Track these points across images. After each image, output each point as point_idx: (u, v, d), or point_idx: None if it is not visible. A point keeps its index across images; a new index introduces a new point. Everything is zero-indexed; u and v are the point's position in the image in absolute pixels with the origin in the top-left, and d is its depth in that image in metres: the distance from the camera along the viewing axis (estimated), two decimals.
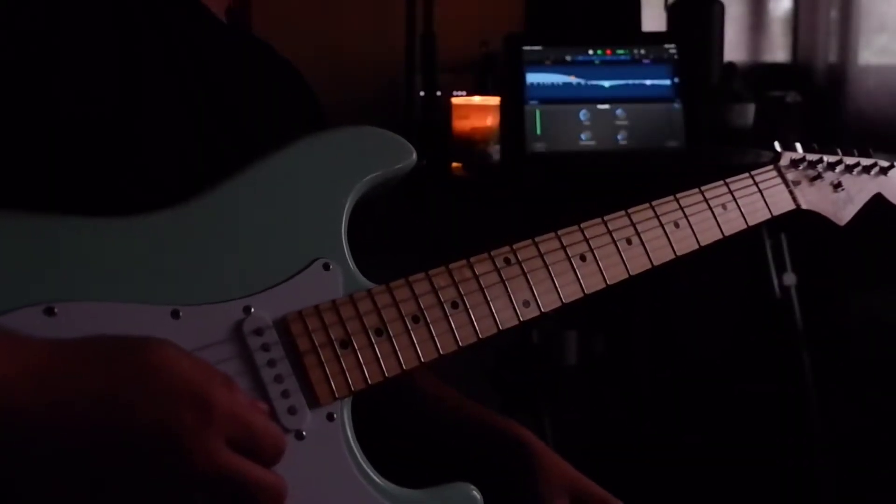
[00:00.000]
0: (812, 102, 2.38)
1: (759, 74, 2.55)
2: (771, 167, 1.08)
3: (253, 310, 0.79)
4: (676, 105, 2.16)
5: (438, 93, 2.19)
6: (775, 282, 2.08)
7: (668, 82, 2.17)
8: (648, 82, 2.16)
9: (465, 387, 1.05)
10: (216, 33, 0.96)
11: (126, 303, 0.75)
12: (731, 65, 2.30)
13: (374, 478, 0.81)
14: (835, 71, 2.50)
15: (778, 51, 2.67)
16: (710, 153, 2.15)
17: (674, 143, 2.15)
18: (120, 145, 0.81)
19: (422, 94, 2.19)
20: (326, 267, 0.82)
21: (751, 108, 2.25)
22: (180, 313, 0.77)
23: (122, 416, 0.65)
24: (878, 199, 1.18)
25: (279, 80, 1.04)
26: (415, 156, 0.88)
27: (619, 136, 2.13)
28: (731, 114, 2.19)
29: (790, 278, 2.08)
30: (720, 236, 1.00)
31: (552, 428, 2.01)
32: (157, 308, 0.76)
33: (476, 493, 0.84)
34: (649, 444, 2.48)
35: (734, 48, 2.57)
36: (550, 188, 2.01)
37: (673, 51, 2.18)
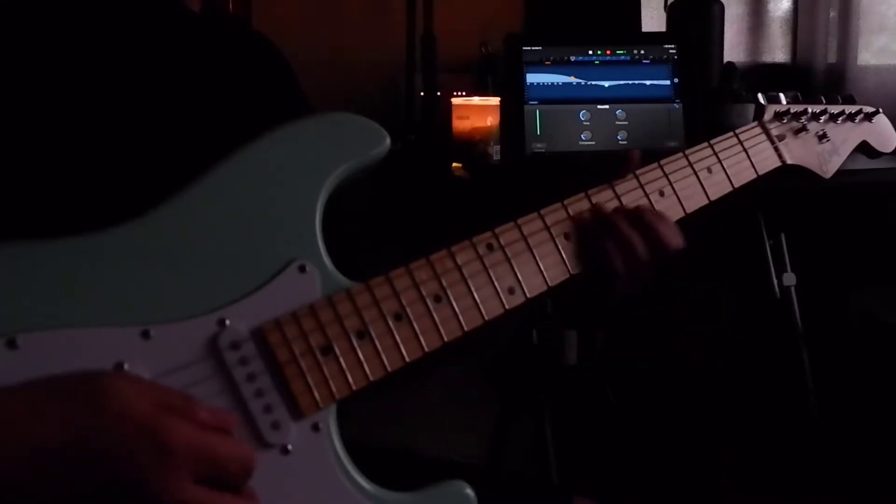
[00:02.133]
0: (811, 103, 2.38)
1: (759, 74, 2.55)
2: (755, 124, 1.06)
3: (228, 322, 0.75)
4: (676, 105, 2.16)
5: (438, 93, 2.18)
6: (775, 282, 2.08)
7: (667, 82, 2.17)
8: (648, 82, 2.16)
9: (464, 386, 1.05)
10: (185, 26, 0.93)
11: (92, 327, 0.71)
12: (731, 65, 2.30)
13: (364, 485, 0.79)
14: (834, 71, 2.50)
15: (778, 51, 2.67)
16: None
17: (674, 143, 2.14)
18: (86, 153, 0.78)
19: (422, 94, 2.19)
20: (302, 269, 0.78)
21: (751, 109, 2.25)
22: (151, 333, 0.72)
23: (80, 469, 0.64)
24: (863, 147, 1.16)
25: (253, 63, 1.00)
26: (388, 141, 0.83)
27: (619, 136, 2.13)
28: (731, 114, 2.19)
29: (790, 278, 2.07)
30: (706, 202, 0.98)
31: (552, 428, 2.01)
32: (125, 330, 0.72)
33: (469, 491, 0.82)
34: (649, 444, 2.48)
35: (734, 48, 2.58)
36: (550, 188, 2.01)
37: (673, 51, 2.18)
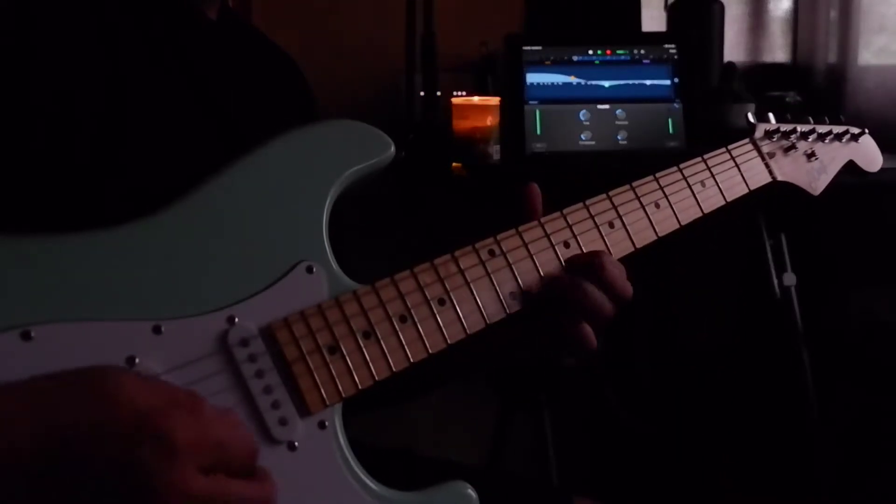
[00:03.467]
0: (812, 103, 2.38)
1: (759, 74, 2.55)
2: (746, 140, 1.08)
3: (237, 319, 0.76)
4: (676, 105, 2.16)
5: (438, 93, 2.18)
6: (775, 282, 2.08)
7: (667, 82, 2.17)
8: (648, 82, 2.16)
9: (464, 387, 1.05)
10: (203, 33, 0.95)
11: (105, 321, 0.72)
12: (731, 65, 2.30)
13: (369, 483, 0.80)
14: (834, 71, 2.50)
15: (778, 51, 2.67)
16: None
17: (674, 143, 2.15)
18: (106, 155, 0.79)
19: (422, 94, 2.19)
20: (310, 270, 0.80)
21: (751, 109, 2.25)
22: (162, 328, 0.74)
23: (82, 463, 0.63)
24: (850, 167, 1.18)
25: (270, 72, 1.02)
26: (393, 148, 0.86)
27: (619, 136, 2.13)
28: (731, 114, 2.19)
29: (790, 278, 2.07)
30: (700, 214, 1.00)
31: (552, 428, 2.01)
32: (137, 324, 0.73)
33: (471, 492, 0.83)
34: (649, 444, 2.48)
35: (734, 48, 2.58)
36: (550, 188, 2.00)
37: (673, 51, 2.18)
